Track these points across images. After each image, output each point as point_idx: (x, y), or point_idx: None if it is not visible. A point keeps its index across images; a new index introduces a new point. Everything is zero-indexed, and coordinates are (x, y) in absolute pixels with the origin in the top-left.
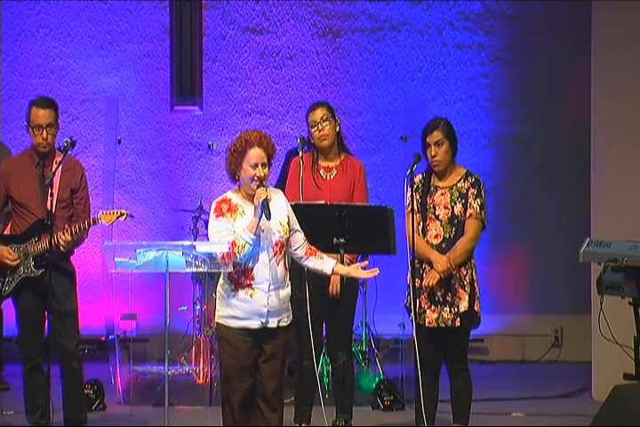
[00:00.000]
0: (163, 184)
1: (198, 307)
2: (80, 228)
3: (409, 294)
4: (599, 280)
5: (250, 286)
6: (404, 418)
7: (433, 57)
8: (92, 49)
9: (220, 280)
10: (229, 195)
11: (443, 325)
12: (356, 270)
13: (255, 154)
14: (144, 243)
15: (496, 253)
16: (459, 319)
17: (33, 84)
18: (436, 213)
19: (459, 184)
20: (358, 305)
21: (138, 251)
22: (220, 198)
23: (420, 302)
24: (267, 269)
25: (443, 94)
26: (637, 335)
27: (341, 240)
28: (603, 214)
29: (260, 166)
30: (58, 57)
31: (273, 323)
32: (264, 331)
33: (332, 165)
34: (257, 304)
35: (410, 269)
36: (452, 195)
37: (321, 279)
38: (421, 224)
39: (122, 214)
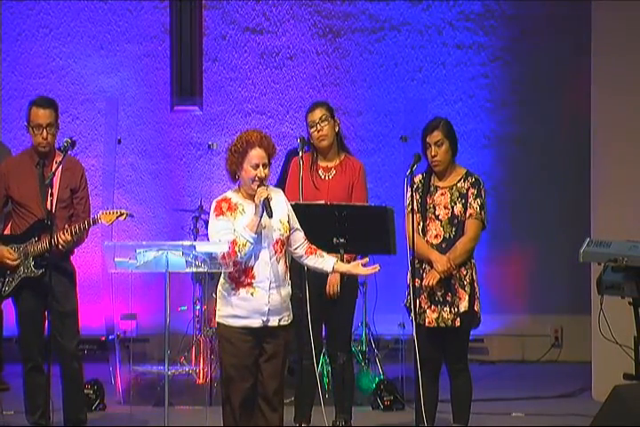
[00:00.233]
0: (163, 184)
1: (198, 307)
2: (80, 228)
3: (409, 293)
4: (599, 280)
5: (251, 284)
6: (404, 418)
7: (433, 57)
8: (92, 49)
9: (221, 280)
10: (229, 194)
11: (443, 325)
12: (357, 267)
13: (256, 154)
14: (144, 243)
15: (496, 253)
16: (459, 319)
17: (33, 84)
18: (436, 213)
19: (459, 184)
20: (358, 305)
21: (138, 251)
22: (220, 198)
23: (420, 302)
24: (267, 267)
25: (443, 94)
26: (637, 335)
27: (341, 240)
28: (603, 214)
29: (260, 167)
30: (58, 57)
31: (274, 321)
32: (265, 330)
33: (331, 165)
34: (258, 303)
35: (410, 269)
36: (451, 195)
37: (320, 279)
38: (421, 224)
39: (121, 214)
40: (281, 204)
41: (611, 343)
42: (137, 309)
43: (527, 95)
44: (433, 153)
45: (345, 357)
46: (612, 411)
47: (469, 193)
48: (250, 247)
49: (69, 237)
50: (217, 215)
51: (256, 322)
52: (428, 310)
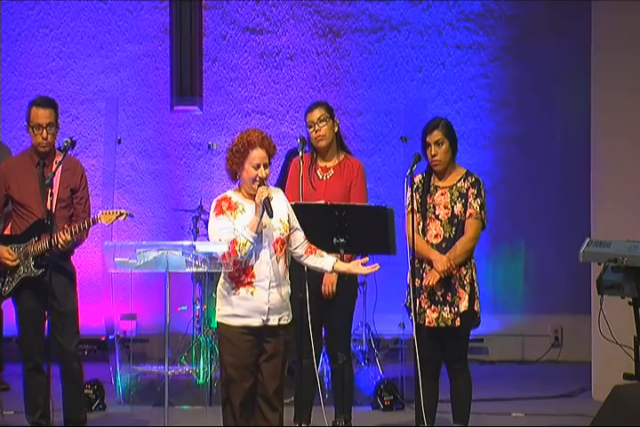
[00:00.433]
0: (163, 184)
1: (198, 307)
2: (80, 228)
3: (409, 293)
4: (599, 280)
5: (250, 283)
6: (404, 418)
7: (433, 57)
8: (92, 49)
9: (221, 279)
10: (230, 193)
11: (443, 324)
12: (357, 267)
13: (257, 155)
14: (144, 243)
15: (496, 253)
16: (459, 319)
17: (33, 84)
18: (436, 212)
19: (459, 184)
20: (358, 305)
21: (138, 251)
22: (220, 197)
23: (419, 302)
24: (267, 266)
25: (443, 94)
26: (637, 335)
27: (341, 240)
28: (603, 214)
29: (261, 167)
30: (58, 57)
31: (274, 320)
32: (265, 329)
33: (329, 165)
34: (258, 302)
35: (410, 268)
36: (451, 195)
37: (318, 279)
38: (421, 224)
39: (121, 214)
40: (281, 203)
41: (611, 343)
42: (137, 309)
43: (527, 95)
44: (433, 153)
45: (345, 357)
46: (611, 411)
47: (469, 193)
48: (250, 247)
49: (69, 237)
50: (217, 214)
51: (256, 321)
52: (427, 310)
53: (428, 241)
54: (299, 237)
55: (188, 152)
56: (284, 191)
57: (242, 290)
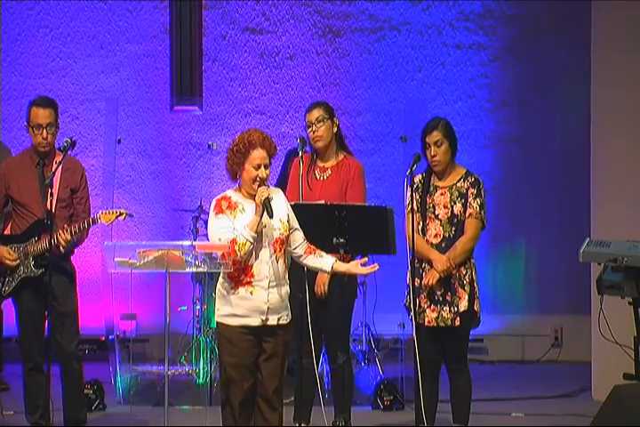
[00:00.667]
0: (163, 184)
1: (198, 307)
2: (80, 227)
3: (409, 293)
4: (599, 280)
5: (250, 283)
6: (404, 418)
7: (433, 57)
8: (92, 49)
9: (220, 279)
10: (229, 193)
11: (442, 324)
12: (356, 267)
13: (258, 155)
14: (144, 243)
15: (496, 253)
16: (458, 319)
17: (33, 84)
18: (436, 212)
19: (458, 184)
20: (358, 305)
21: (138, 251)
22: (219, 196)
23: (419, 302)
24: (267, 266)
25: (443, 94)
26: (637, 335)
27: (341, 240)
28: (603, 214)
29: (262, 167)
30: (58, 57)
31: (273, 320)
32: (264, 329)
33: (327, 165)
34: (257, 301)
35: (410, 268)
36: (451, 194)
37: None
38: (421, 224)
39: (121, 214)
40: (281, 203)
41: (611, 343)
42: (137, 309)
43: (527, 95)
44: (432, 153)
45: (345, 357)
46: (611, 411)
47: (469, 193)
48: (250, 247)
49: (69, 237)
50: (217, 214)
51: (255, 321)
52: (427, 310)
53: (427, 241)
54: (298, 237)
55: (187, 152)
56: (283, 191)
57: (241, 290)
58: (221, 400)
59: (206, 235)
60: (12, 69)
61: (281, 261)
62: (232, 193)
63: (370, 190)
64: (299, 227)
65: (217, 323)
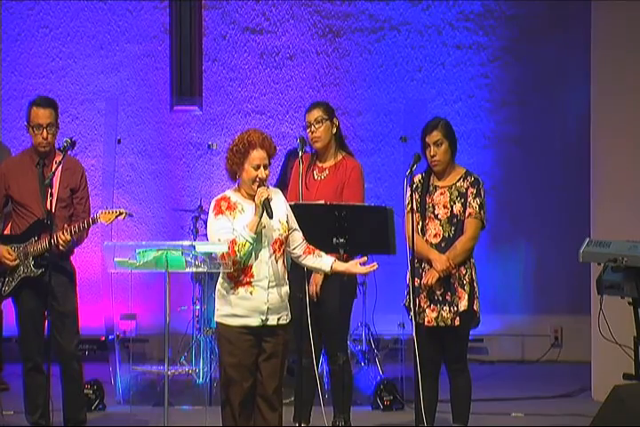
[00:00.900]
0: (163, 184)
1: (198, 307)
2: (79, 227)
3: (408, 293)
4: (599, 280)
5: (250, 283)
6: (404, 418)
7: (433, 57)
8: (92, 49)
9: (220, 279)
10: (229, 193)
11: (442, 324)
12: (355, 266)
13: (258, 155)
14: (144, 243)
15: (496, 253)
16: (458, 318)
17: (33, 84)
18: (436, 212)
19: (458, 183)
20: (358, 305)
21: (138, 251)
22: (219, 196)
23: (419, 302)
24: (266, 266)
25: (442, 94)
26: (637, 335)
27: (341, 240)
28: (603, 214)
29: (261, 168)
30: (58, 57)
31: (273, 320)
32: (264, 329)
33: (325, 165)
34: (257, 301)
35: (409, 268)
36: (451, 194)
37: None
38: (421, 224)
39: (121, 213)
40: (280, 204)
41: (610, 343)
42: (137, 309)
43: (527, 95)
44: (432, 153)
45: (344, 357)
46: (611, 411)
47: (469, 192)
48: (249, 247)
49: (69, 237)
50: (216, 214)
51: (255, 321)
52: (427, 310)
53: (427, 241)
54: (297, 237)
55: (187, 152)
56: (283, 192)
57: (241, 290)
58: (221, 400)
59: (206, 235)
60: (11, 69)
61: (280, 261)
62: (231, 193)
63: (370, 190)
64: (298, 227)
65: (217, 323)
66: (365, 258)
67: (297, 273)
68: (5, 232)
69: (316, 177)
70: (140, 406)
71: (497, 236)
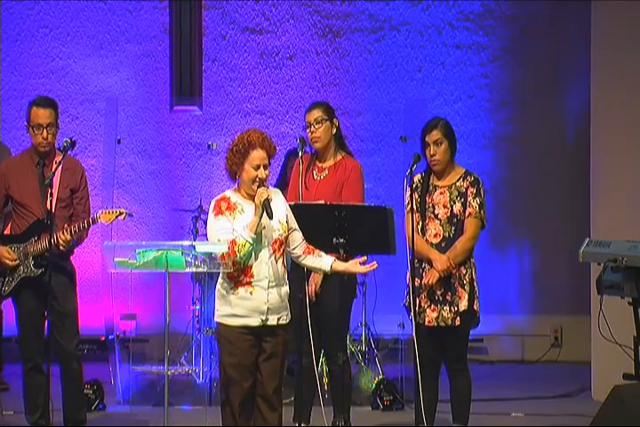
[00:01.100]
0: (162, 184)
1: (198, 307)
2: (79, 227)
3: (408, 293)
4: (599, 280)
5: (250, 283)
6: (404, 418)
7: (433, 57)
8: (92, 49)
9: (220, 279)
10: (229, 193)
11: (443, 324)
12: (355, 266)
13: (258, 156)
14: (144, 243)
15: (496, 253)
16: (458, 318)
17: (33, 84)
18: (436, 212)
19: (458, 183)
20: (358, 305)
21: (138, 251)
22: (219, 197)
23: (419, 302)
24: (266, 266)
25: (442, 94)
26: (637, 335)
27: (341, 240)
28: (603, 214)
29: (261, 168)
30: (58, 57)
31: (273, 320)
32: (264, 329)
33: (325, 165)
34: (257, 301)
35: (409, 268)
36: (451, 194)
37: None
38: (421, 223)
39: (121, 213)
40: (280, 204)
41: (610, 343)
42: (137, 309)
43: (527, 95)
44: (432, 152)
45: (344, 357)
46: (611, 411)
47: (469, 192)
48: (249, 248)
49: (69, 237)
50: (216, 215)
51: (255, 321)
52: (427, 310)
53: (427, 240)
54: (297, 237)
55: (187, 152)
56: (283, 192)
57: (241, 290)
58: (221, 400)
59: (206, 235)
60: (11, 69)
61: (280, 261)
62: (231, 194)
63: (370, 190)
64: (297, 227)
65: (217, 323)
66: (365, 257)
67: (297, 273)
68: (5, 232)
69: (315, 177)
70: (139, 406)
71: (497, 236)
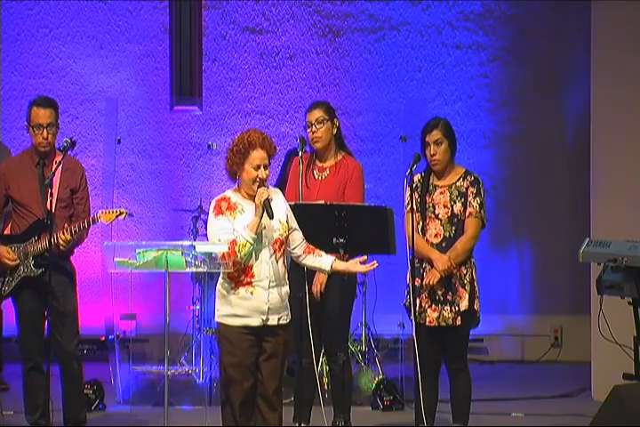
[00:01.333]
0: (163, 184)
1: (198, 307)
2: (79, 227)
3: (409, 293)
4: (599, 280)
5: (250, 283)
6: (404, 418)
7: (433, 57)
8: (92, 49)
9: (220, 279)
10: (229, 193)
11: (443, 324)
12: (355, 265)
13: (258, 156)
14: (144, 243)
15: (496, 253)
16: (459, 318)
17: (33, 84)
18: (436, 212)
19: (458, 183)
20: (358, 305)
21: (138, 251)
22: (219, 197)
23: (420, 302)
24: (267, 266)
25: (442, 94)
26: (637, 335)
27: (341, 240)
28: (603, 214)
29: (261, 168)
30: (58, 57)
31: (273, 320)
32: (264, 329)
33: (326, 165)
34: (257, 301)
35: (410, 268)
36: (451, 193)
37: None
38: (421, 223)
39: (121, 213)
40: (280, 204)
41: (610, 343)
42: (137, 309)
43: (527, 95)
44: (432, 152)
45: (344, 357)
46: (611, 411)
47: (469, 192)
48: (250, 248)
49: (69, 237)
50: (216, 215)
51: (256, 321)
52: (428, 310)
53: (427, 240)
54: (297, 237)
55: (187, 152)
56: (283, 191)
57: (241, 290)
58: (221, 400)
59: (206, 235)
60: (11, 69)
61: (281, 261)
62: (231, 194)
63: (370, 190)
64: (297, 227)
65: (217, 323)
66: (365, 257)
67: (297, 273)
68: (5, 232)
69: (316, 177)
70: (139, 406)
71: (497, 236)
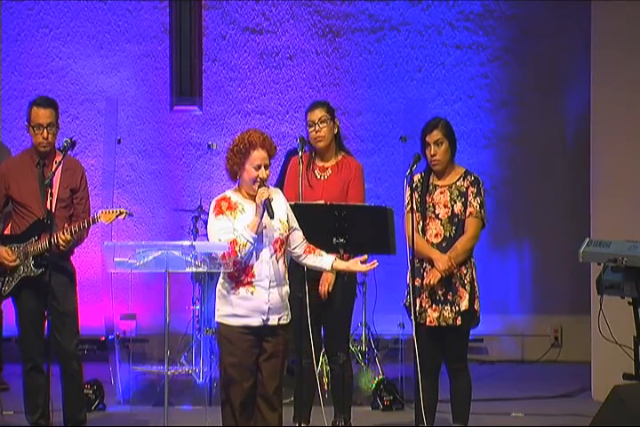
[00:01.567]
0: (162, 184)
1: (198, 307)
2: (79, 227)
3: (409, 293)
4: (599, 280)
5: (250, 283)
6: (404, 418)
7: (433, 57)
8: (92, 49)
9: (220, 279)
10: (229, 193)
11: (444, 323)
12: (355, 265)
13: (258, 156)
14: (144, 243)
15: (496, 253)
16: (459, 318)
17: (33, 84)
18: (436, 211)
19: (458, 183)
20: (358, 305)
21: (138, 251)
22: (219, 197)
23: (420, 302)
24: (267, 266)
25: (442, 94)
26: (637, 335)
27: (341, 240)
28: (603, 214)
29: (262, 168)
30: (58, 57)
31: (273, 320)
32: (265, 329)
33: (327, 165)
34: (258, 301)
35: (410, 268)
36: (451, 193)
37: (317, 280)
38: (421, 223)
39: (121, 213)
40: (280, 204)
41: (610, 343)
42: (137, 309)
43: (527, 95)
44: (432, 152)
45: (344, 357)
46: (611, 411)
47: (469, 191)
48: (250, 247)
49: (69, 237)
50: (217, 214)
51: (256, 321)
52: (429, 310)
53: (428, 240)
54: (297, 237)
55: (187, 152)
56: (282, 191)
57: (241, 290)
58: (221, 400)
59: (206, 235)
60: (11, 69)
61: (281, 261)
62: (232, 193)
63: (370, 190)
64: (298, 227)
65: (217, 323)
66: (366, 256)
67: (297, 273)
68: (5, 232)
69: (318, 176)
70: (140, 406)
71: (497, 235)
